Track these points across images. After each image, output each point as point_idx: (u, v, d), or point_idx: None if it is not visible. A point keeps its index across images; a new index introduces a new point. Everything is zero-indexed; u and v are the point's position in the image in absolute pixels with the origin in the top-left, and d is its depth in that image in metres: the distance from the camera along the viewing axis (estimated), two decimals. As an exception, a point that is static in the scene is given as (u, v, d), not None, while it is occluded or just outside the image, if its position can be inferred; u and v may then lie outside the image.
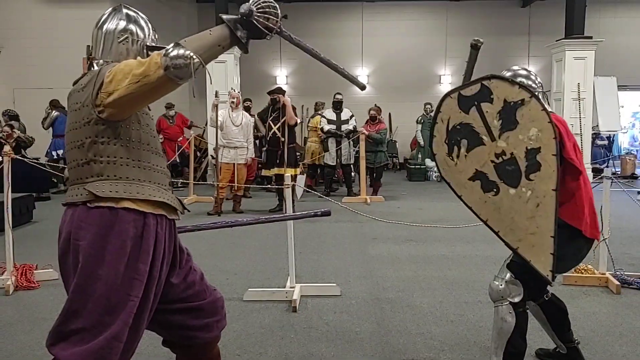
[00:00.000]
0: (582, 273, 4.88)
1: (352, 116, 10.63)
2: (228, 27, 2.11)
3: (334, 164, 10.47)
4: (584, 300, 4.50)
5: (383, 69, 16.15)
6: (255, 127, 9.35)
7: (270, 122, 8.79)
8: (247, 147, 8.85)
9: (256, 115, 9.54)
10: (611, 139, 14.62)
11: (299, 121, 9.40)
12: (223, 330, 2.59)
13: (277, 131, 8.68)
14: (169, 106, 12.35)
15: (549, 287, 3.11)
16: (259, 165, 10.77)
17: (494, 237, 2.92)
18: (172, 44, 1.99)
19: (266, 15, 2.13)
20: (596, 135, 13.50)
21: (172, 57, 1.94)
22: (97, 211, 2.10)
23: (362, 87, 2.52)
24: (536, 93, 3.09)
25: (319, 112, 11.48)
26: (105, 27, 2.32)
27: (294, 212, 4.74)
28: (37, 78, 12.73)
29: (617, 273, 4.84)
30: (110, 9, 2.38)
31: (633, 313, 4.19)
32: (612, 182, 4.95)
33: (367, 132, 10.09)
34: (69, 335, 2.08)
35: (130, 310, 2.11)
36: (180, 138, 10.75)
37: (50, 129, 11.43)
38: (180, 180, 11.32)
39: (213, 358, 2.60)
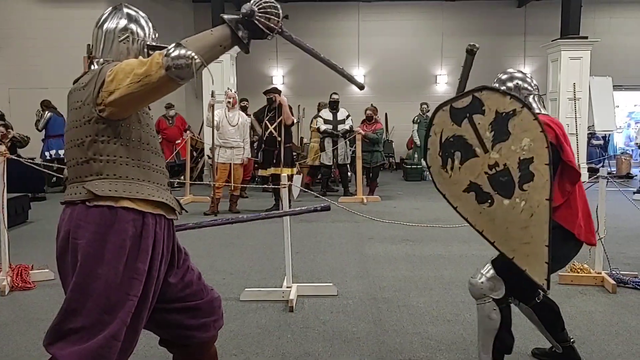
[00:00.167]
0: (578, 272, 4.89)
1: (348, 116, 10.63)
2: (229, 27, 2.11)
3: (331, 163, 10.47)
4: (580, 299, 4.51)
5: (379, 69, 16.16)
6: (252, 128, 9.35)
7: (267, 121, 8.79)
8: (244, 147, 8.84)
9: (252, 115, 9.54)
10: (607, 138, 14.66)
11: (295, 121, 9.40)
12: (220, 330, 2.59)
13: (273, 131, 8.68)
14: (169, 106, 12.34)
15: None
16: (255, 166, 10.77)
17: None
18: (173, 44, 1.99)
19: (267, 16, 2.11)
20: (592, 135, 13.54)
21: (174, 57, 1.94)
22: (96, 210, 2.10)
23: (361, 87, 2.51)
24: (533, 95, 3.11)
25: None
26: (105, 26, 2.32)
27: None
28: (32, 78, 12.69)
29: (613, 272, 4.86)
30: (110, 8, 2.38)
31: (629, 312, 4.20)
32: (607, 182, 4.96)
33: (363, 132, 10.09)
34: (67, 334, 2.08)
35: (129, 310, 2.11)
36: (179, 140, 10.74)
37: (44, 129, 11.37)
38: (177, 180, 11.31)
39: (210, 358, 2.60)
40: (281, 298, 4.50)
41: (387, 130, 15.13)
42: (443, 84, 16.24)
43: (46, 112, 11.19)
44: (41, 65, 12.66)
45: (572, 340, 3.24)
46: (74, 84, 2.29)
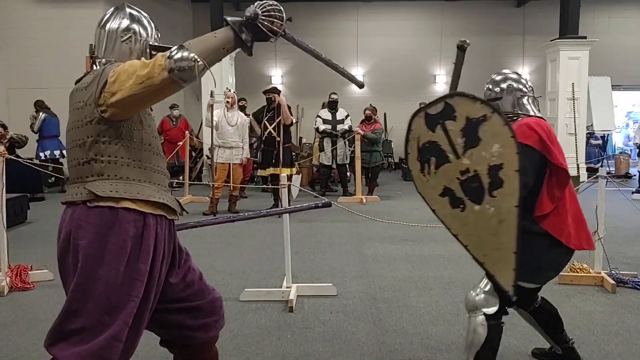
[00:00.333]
0: (578, 272, 4.90)
1: (347, 116, 10.63)
2: (233, 30, 2.11)
3: (330, 163, 10.46)
4: (580, 299, 4.51)
5: (378, 69, 16.16)
6: (251, 128, 9.33)
7: (266, 121, 8.78)
8: (243, 147, 8.84)
9: (251, 115, 9.53)
10: (605, 138, 14.68)
11: (294, 121, 9.39)
12: (220, 331, 2.59)
13: (272, 131, 8.67)
14: (173, 106, 12.35)
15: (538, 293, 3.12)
16: (254, 166, 10.76)
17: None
18: (176, 46, 1.99)
19: (271, 19, 2.12)
20: (590, 135, 13.55)
21: (177, 60, 1.94)
22: (97, 210, 2.10)
23: (361, 86, 2.53)
24: (527, 97, 3.07)
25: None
26: (108, 26, 2.31)
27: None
28: (31, 78, 12.66)
29: (613, 272, 4.86)
30: (112, 8, 2.38)
31: (628, 312, 4.20)
32: (607, 182, 4.96)
33: (362, 132, 10.09)
34: (68, 335, 2.07)
35: (131, 310, 2.10)
36: (181, 143, 10.74)
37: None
38: (176, 180, 11.30)
39: (211, 358, 2.59)
40: (281, 298, 4.50)
41: (386, 130, 15.13)
42: (442, 84, 16.23)
43: (40, 113, 11.15)
44: (40, 65, 12.63)
45: (571, 341, 3.24)
46: (76, 84, 2.29)
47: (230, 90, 9.40)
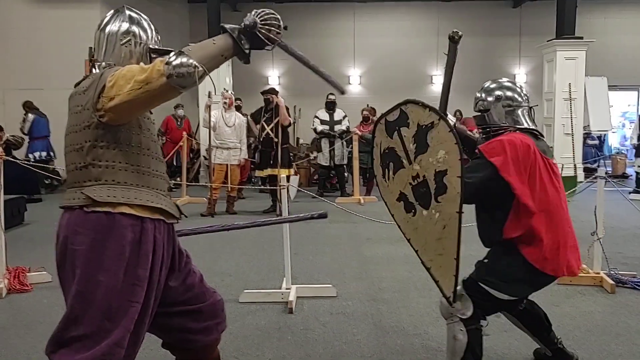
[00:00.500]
0: (577, 272, 4.90)
1: (345, 116, 10.62)
2: (231, 37, 2.11)
3: (327, 164, 10.45)
4: (579, 299, 4.52)
5: (375, 69, 16.16)
6: (248, 129, 9.32)
7: (264, 122, 8.76)
8: (240, 148, 8.82)
9: (249, 116, 9.51)
10: (602, 138, 14.71)
11: (292, 121, 9.38)
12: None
13: (270, 132, 8.65)
14: (177, 106, 12.37)
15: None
16: (252, 167, 10.74)
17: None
18: (174, 52, 1.98)
19: (269, 27, 2.14)
20: (587, 135, 13.58)
21: (176, 66, 1.93)
22: (94, 216, 2.08)
23: (343, 92, 2.58)
24: (522, 108, 2.99)
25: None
26: (107, 29, 2.31)
27: (288, 212, 4.73)
28: (27, 78, 12.61)
29: (612, 272, 4.87)
30: (112, 10, 2.37)
31: (628, 312, 4.21)
32: (605, 182, 4.97)
33: (360, 133, 10.09)
34: (69, 342, 2.06)
35: (132, 316, 2.10)
36: (181, 143, 10.73)
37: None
38: (173, 182, 11.27)
39: None
40: (280, 299, 4.49)
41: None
42: (439, 84, 16.20)
43: (29, 114, 11.09)
44: (36, 65, 12.57)
45: (558, 341, 3.18)
46: (75, 87, 2.28)
47: (227, 91, 9.39)
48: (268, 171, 8.73)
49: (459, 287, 2.83)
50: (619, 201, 7.26)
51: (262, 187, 9.60)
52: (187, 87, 1.97)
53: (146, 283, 2.13)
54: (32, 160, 10.82)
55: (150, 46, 2.35)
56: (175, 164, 11.58)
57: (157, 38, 2.40)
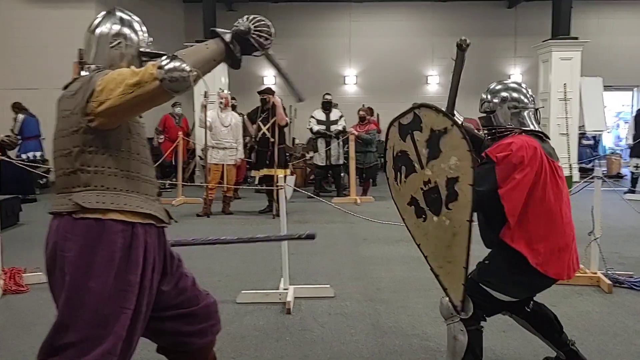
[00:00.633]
0: (574, 273, 4.90)
1: (341, 116, 10.61)
2: (223, 42, 2.10)
3: (324, 164, 10.44)
4: (577, 299, 4.52)
5: (371, 70, 16.16)
6: (244, 128, 9.30)
7: (260, 122, 8.74)
8: (237, 148, 8.80)
9: (245, 116, 9.49)
10: (596, 139, 14.76)
11: (288, 121, 9.36)
12: (218, 333, 2.56)
13: (266, 132, 8.63)
14: (175, 104, 12.37)
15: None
16: (247, 167, 10.73)
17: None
18: (167, 56, 1.95)
19: (259, 33, 2.15)
20: (582, 136, 13.62)
21: (168, 70, 1.90)
22: (83, 222, 2.06)
23: (299, 100, 2.54)
24: (528, 110, 2.96)
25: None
26: (98, 30, 2.26)
27: (286, 212, 4.74)
28: (23, 79, 12.53)
29: (609, 272, 4.88)
30: (103, 12, 2.33)
31: (626, 312, 4.22)
32: (603, 182, 4.98)
33: (356, 133, 10.09)
34: (60, 349, 2.03)
35: (124, 323, 2.07)
36: (178, 141, 10.70)
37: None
38: (168, 182, 11.23)
39: None
40: (278, 300, 4.48)
41: (379, 130, 15.14)
42: (434, 85, 16.27)
43: (19, 115, 11.03)
44: (32, 66, 12.49)
45: (571, 342, 3.15)
46: (63, 89, 2.24)
47: (223, 91, 9.36)
48: (264, 171, 8.71)
49: None
50: (614, 201, 7.30)
51: (259, 187, 9.55)
52: (180, 91, 1.94)
53: (137, 288, 2.11)
54: (26, 160, 10.77)
55: (141, 49, 2.30)
56: (173, 163, 11.54)
57: (149, 40, 2.36)
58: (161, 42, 2.40)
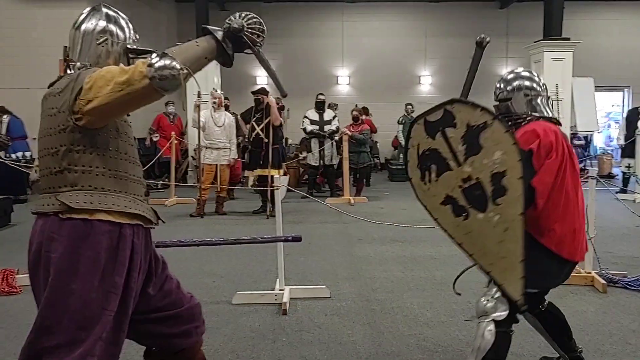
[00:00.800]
0: (569, 272, 4.92)
1: (334, 116, 10.61)
2: (214, 39, 2.08)
3: (317, 164, 10.43)
4: (572, 299, 4.54)
5: (364, 70, 16.18)
6: (238, 128, 9.27)
7: (254, 122, 8.72)
8: (230, 148, 8.77)
9: (239, 116, 9.46)
10: (588, 139, 14.84)
11: (282, 122, 9.35)
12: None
13: (260, 132, 8.61)
14: (168, 103, 12.31)
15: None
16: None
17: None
18: (157, 54, 1.92)
19: (252, 31, 2.15)
20: (573, 135, 13.69)
21: (158, 68, 1.86)
22: (70, 223, 2.02)
23: (283, 95, 2.63)
24: (541, 97, 2.97)
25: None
26: (83, 27, 2.22)
27: (283, 211, 4.74)
28: (13, 78, 12.43)
29: (603, 272, 4.90)
30: (88, 8, 2.28)
31: (621, 312, 4.24)
32: (597, 182, 5.00)
33: (350, 133, 10.09)
34: (42, 352, 1.99)
35: (105, 325, 2.04)
36: (176, 141, 10.65)
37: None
38: (161, 182, 11.17)
39: None
40: (274, 301, 4.46)
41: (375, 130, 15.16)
42: (427, 85, 16.31)
43: (4, 116, 10.94)
44: (22, 65, 12.37)
45: (579, 350, 3.14)
46: (49, 87, 2.20)
47: (217, 91, 9.33)
48: (258, 171, 8.69)
49: (498, 292, 2.79)
50: (607, 201, 7.35)
51: (253, 188, 9.51)
52: (170, 90, 1.90)
53: (122, 290, 2.08)
54: (16, 160, 10.68)
55: (128, 46, 2.26)
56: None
57: (136, 37, 2.32)
58: (153, 42, 2.36)
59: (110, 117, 2.05)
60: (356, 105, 12.39)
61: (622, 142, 10.62)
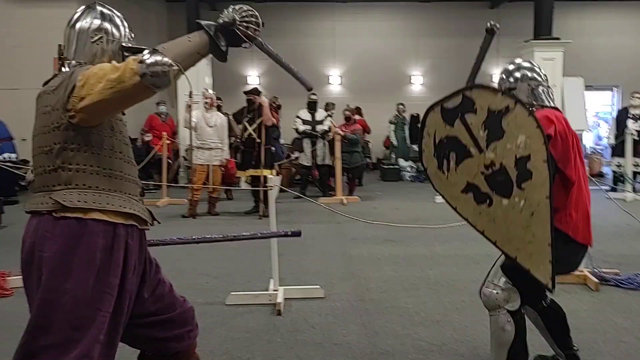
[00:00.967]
0: (561, 271, 4.95)
1: (327, 116, 10.61)
2: (207, 34, 2.06)
3: (309, 164, 10.42)
4: (565, 297, 4.55)
5: (355, 70, 16.20)
6: (230, 128, 9.24)
7: (246, 122, 8.69)
8: (222, 148, 8.75)
9: (231, 116, 9.44)
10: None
11: (274, 122, 9.33)
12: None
13: (252, 132, 8.58)
14: (160, 102, 12.25)
15: (548, 293, 3.03)
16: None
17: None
18: (148, 50, 1.90)
19: (247, 24, 2.11)
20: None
21: (150, 64, 1.84)
22: (64, 222, 2.00)
23: (309, 88, 2.55)
24: (543, 87, 2.98)
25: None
26: (78, 25, 2.20)
27: (276, 212, 4.72)
28: (2, 79, 12.33)
29: (595, 270, 4.93)
30: (83, 6, 2.26)
31: (614, 310, 4.26)
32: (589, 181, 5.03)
33: (342, 133, 10.09)
34: (36, 353, 1.97)
35: (101, 326, 2.02)
36: (168, 142, 10.61)
37: None
38: (152, 183, 11.11)
39: None
40: (268, 301, 4.45)
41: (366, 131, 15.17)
42: (418, 85, 16.36)
43: None
44: (10, 65, 12.26)
45: (575, 348, 3.14)
46: (43, 86, 2.18)
47: (208, 91, 9.30)
48: (250, 172, 8.66)
49: (503, 279, 2.79)
50: (597, 200, 7.32)
51: (246, 188, 9.49)
52: (161, 86, 1.88)
53: (117, 291, 2.06)
54: (3, 162, 10.58)
55: (123, 44, 2.24)
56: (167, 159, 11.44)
57: (131, 35, 2.30)
58: (143, 42, 2.34)
59: (104, 115, 2.03)
60: (348, 105, 12.39)
61: (612, 141, 10.70)
